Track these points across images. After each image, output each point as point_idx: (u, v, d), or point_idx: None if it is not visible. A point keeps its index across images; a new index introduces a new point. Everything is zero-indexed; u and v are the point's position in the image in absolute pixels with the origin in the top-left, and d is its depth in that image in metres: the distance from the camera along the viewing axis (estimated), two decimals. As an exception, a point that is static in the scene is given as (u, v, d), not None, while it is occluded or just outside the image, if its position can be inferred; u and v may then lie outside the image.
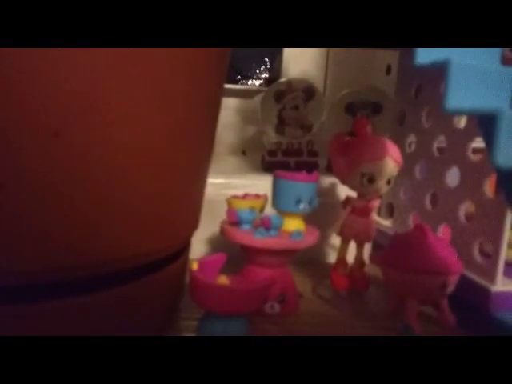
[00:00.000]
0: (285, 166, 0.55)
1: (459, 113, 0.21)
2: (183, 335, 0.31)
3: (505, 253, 0.32)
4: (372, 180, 0.37)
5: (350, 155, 0.38)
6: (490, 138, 0.20)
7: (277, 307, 0.35)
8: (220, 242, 0.49)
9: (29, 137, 0.19)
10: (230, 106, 0.72)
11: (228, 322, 0.29)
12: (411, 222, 0.44)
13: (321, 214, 0.40)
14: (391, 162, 0.37)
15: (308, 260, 0.47)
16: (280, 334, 0.32)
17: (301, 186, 0.34)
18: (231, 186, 0.50)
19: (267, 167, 0.56)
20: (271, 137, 0.57)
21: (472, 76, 0.21)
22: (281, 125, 0.58)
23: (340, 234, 0.40)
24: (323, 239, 0.48)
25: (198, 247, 0.48)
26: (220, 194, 0.43)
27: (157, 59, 0.23)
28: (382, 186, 0.38)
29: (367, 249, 0.42)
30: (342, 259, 0.41)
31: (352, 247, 0.41)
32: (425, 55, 0.22)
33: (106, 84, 0.21)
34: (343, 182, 0.39)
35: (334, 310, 0.37)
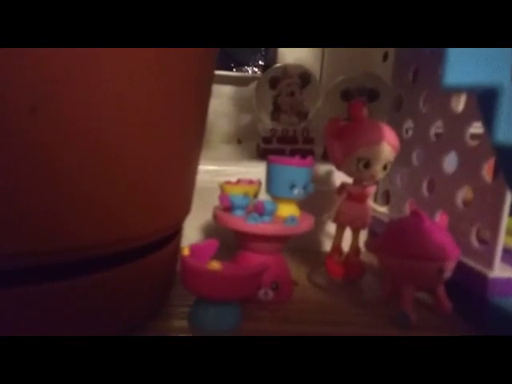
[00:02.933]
0: (280, 154, 0.54)
1: (458, 89, 0.20)
2: (174, 322, 0.30)
3: (502, 239, 0.31)
4: (368, 165, 0.36)
5: (346, 140, 0.37)
6: (489, 116, 0.19)
7: (270, 294, 0.34)
8: (213, 229, 0.49)
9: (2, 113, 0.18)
10: (224, 94, 0.70)
11: (220, 308, 0.28)
12: (407, 208, 0.43)
13: (317, 202, 0.39)
14: (388, 146, 0.36)
15: (303, 248, 0.47)
16: (273, 321, 0.32)
17: (294, 171, 0.34)
18: (225, 174, 0.49)
19: (262, 154, 0.55)
20: (266, 124, 0.57)
21: (471, 52, 0.20)
22: (276, 111, 0.57)
23: (335, 220, 0.39)
24: (319, 227, 0.48)
25: (192, 234, 0.48)
26: (213, 181, 0.42)
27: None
28: (379, 171, 0.37)
29: (363, 236, 0.42)
30: (337, 246, 0.40)
31: (347, 234, 0.40)
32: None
33: (90, 57, 0.20)
34: (339, 167, 0.38)
35: (329, 297, 0.37)
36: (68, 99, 0.20)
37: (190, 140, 0.30)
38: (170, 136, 0.26)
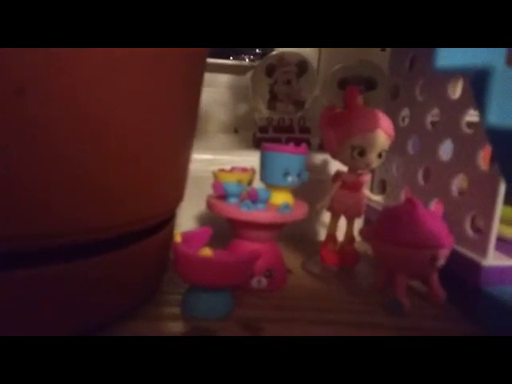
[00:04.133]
0: (276, 143, 0.53)
1: (450, 71, 0.20)
2: (166, 309, 0.30)
3: (497, 227, 0.31)
4: (363, 153, 0.36)
5: (341, 127, 0.37)
6: (481, 98, 0.19)
7: (264, 282, 0.34)
8: (209, 218, 0.49)
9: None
10: (221, 83, 0.70)
11: (212, 295, 0.28)
12: (403, 197, 0.43)
13: (313, 191, 0.39)
14: (383, 134, 0.36)
15: (298, 237, 0.47)
16: (266, 308, 0.32)
17: (288, 158, 0.33)
18: (220, 162, 0.49)
19: (258, 144, 0.54)
20: (262, 112, 0.56)
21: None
22: (272, 100, 0.56)
23: (330, 209, 0.39)
24: (314, 216, 0.47)
25: (187, 222, 0.48)
26: (208, 170, 0.41)
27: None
28: (373, 159, 0.37)
29: (358, 224, 0.42)
30: (331, 234, 0.40)
31: (342, 223, 0.40)
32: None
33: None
34: (334, 155, 0.38)
35: (323, 285, 0.37)
36: (57, 82, 0.19)
37: (182, 127, 0.29)
38: (162, 122, 0.26)
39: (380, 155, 0.37)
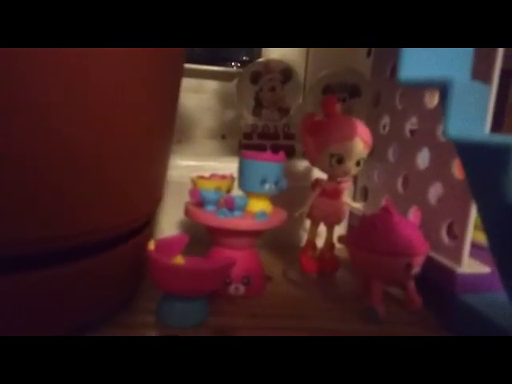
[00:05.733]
0: (260, 149, 0.54)
1: (414, 84, 0.20)
2: (140, 317, 0.30)
3: (470, 235, 0.32)
4: (341, 161, 0.36)
5: (320, 135, 0.37)
6: (444, 110, 0.19)
7: (241, 289, 0.34)
8: (192, 224, 0.48)
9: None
10: (208, 89, 0.70)
11: (186, 303, 0.28)
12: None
13: (295, 197, 0.39)
14: (360, 142, 0.36)
15: (281, 242, 0.47)
16: (241, 315, 0.32)
17: (265, 166, 0.34)
18: (204, 169, 0.49)
19: (243, 150, 0.55)
20: (248, 119, 0.56)
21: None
22: (258, 107, 0.56)
23: (309, 216, 0.39)
24: (296, 222, 0.48)
25: (170, 229, 0.48)
26: (193, 176, 0.41)
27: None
28: (352, 167, 0.37)
29: (339, 231, 0.42)
30: (311, 242, 0.40)
31: (323, 230, 0.41)
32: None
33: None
34: (313, 163, 0.38)
35: (302, 292, 0.37)
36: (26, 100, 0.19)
37: (157, 134, 0.29)
38: (134, 129, 0.26)
39: (358, 163, 0.37)
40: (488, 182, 0.20)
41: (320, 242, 0.41)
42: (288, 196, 0.38)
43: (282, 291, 0.37)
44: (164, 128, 0.31)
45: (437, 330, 0.32)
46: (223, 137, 0.71)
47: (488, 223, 0.21)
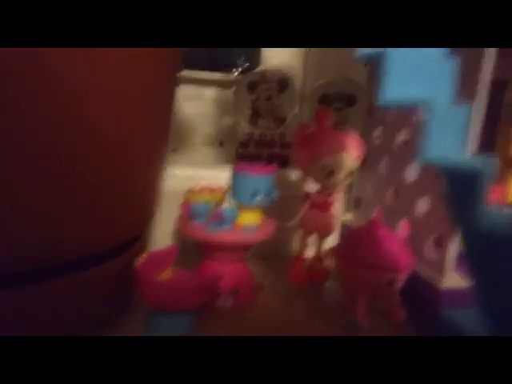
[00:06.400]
0: (257, 158, 0.54)
1: (393, 105, 0.21)
2: (129, 331, 0.31)
3: (455, 250, 0.32)
4: (332, 173, 0.37)
5: (311, 148, 0.37)
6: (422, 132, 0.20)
7: (230, 301, 0.35)
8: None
9: None
10: (207, 96, 0.71)
11: (171, 318, 0.29)
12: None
13: (290, 207, 0.40)
14: (351, 155, 0.37)
15: (273, 252, 0.47)
16: (228, 328, 0.32)
17: (256, 179, 0.34)
18: (200, 178, 0.50)
19: (240, 159, 0.55)
20: (244, 128, 0.57)
21: (408, 68, 0.21)
22: (254, 116, 0.57)
23: (300, 227, 0.40)
24: (289, 232, 0.48)
25: (165, 239, 0.48)
26: (189, 186, 0.42)
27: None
28: (342, 179, 0.37)
29: (329, 242, 0.42)
30: (300, 253, 0.41)
31: (314, 240, 0.41)
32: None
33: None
34: (305, 173, 0.39)
35: (289, 304, 0.37)
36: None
37: (151, 155, 0.30)
38: (125, 146, 0.27)
39: (349, 175, 0.38)
40: (460, 203, 0.21)
41: (311, 253, 0.41)
42: (282, 205, 0.38)
43: (271, 303, 0.37)
44: (157, 145, 0.31)
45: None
46: (221, 144, 0.72)
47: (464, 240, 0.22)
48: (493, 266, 0.20)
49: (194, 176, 0.50)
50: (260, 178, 0.34)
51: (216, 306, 0.34)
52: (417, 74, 0.21)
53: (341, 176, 0.37)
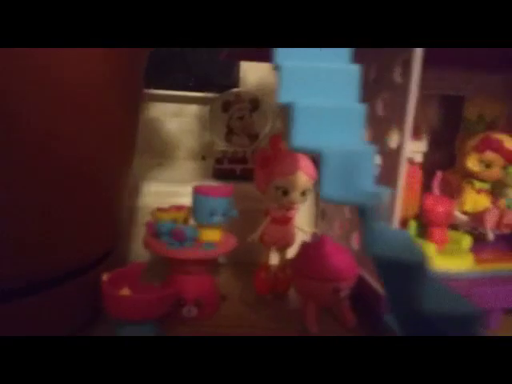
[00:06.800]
0: (231, 173, 0.58)
1: (304, 151, 0.24)
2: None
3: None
4: (286, 192, 0.40)
5: (267, 169, 0.41)
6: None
7: (194, 311, 0.38)
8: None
9: None
10: (189, 113, 0.74)
11: (135, 327, 0.32)
12: (336, 228, 0.47)
13: (255, 219, 0.43)
14: (304, 176, 0.40)
15: (246, 261, 0.50)
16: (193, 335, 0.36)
17: (213, 201, 0.38)
18: (177, 195, 0.53)
19: (216, 174, 0.59)
20: (219, 145, 0.61)
21: (317, 115, 0.24)
22: (229, 133, 0.61)
23: (261, 241, 0.43)
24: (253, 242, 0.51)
25: (144, 254, 0.52)
26: (165, 202, 0.45)
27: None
28: (297, 197, 0.41)
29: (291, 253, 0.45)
30: (264, 264, 0.44)
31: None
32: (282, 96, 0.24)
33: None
34: (262, 193, 0.42)
35: (252, 312, 0.40)
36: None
37: (111, 184, 0.34)
38: (87, 168, 0.30)
39: (303, 193, 0.41)
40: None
41: (275, 262, 0.45)
42: (248, 217, 0.43)
43: (236, 312, 0.40)
44: (120, 168, 0.35)
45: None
46: (203, 158, 0.75)
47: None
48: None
49: (172, 192, 0.53)
50: (217, 200, 0.37)
51: (181, 315, 0.38)
52: (324, 124, 0.24)
53: (295, 194, 0.40)
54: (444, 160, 0.55)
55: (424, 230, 0.42)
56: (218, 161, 0.59)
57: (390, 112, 0.36)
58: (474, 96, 0.54)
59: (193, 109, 0.75)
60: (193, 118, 0.75)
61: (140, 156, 0.65)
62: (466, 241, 0.42)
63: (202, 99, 0.74)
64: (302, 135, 0.24)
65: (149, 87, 0.71)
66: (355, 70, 0.25)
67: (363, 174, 0.24)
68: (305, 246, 0.38)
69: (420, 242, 0.41)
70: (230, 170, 0.58)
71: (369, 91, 0.39)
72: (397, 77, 0.34)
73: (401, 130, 0.33)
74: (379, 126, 0.37)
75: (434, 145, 0.57)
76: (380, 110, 0.37)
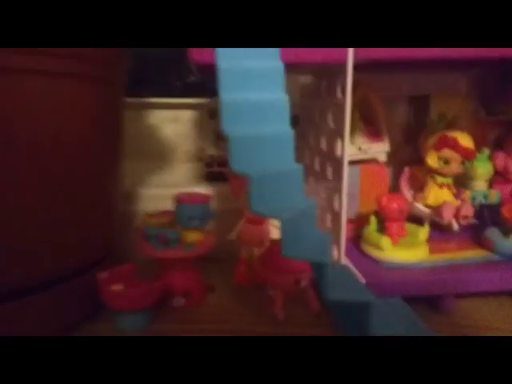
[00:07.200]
0: (221, 176, 0.64)
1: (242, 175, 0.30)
2: (105, 325, 0.41)
3: (343, 253, 0.40)
4: (257, 196, 0.46)
5: (240, 178, 0.46)
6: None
7: (182, 301, 0.45)
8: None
9: None
10: (184, 118, 0.80)
11: (131, 315, 0.39)
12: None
13: (235, 217, 0.49)
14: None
15: (231, 254, 0.56)
16: (179, 323, 0.42)
17: (191, 207, 0.44)
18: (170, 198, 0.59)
19: (208, 177, 0.65)
20: (209, 150, 0.66)
21: (251, 144, 0.30)
22: (218, 139, 0.67)
23: (238, 239, 0.49)
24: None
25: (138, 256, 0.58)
26: (162, 205, 0.51)
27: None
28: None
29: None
30: (242, 258, 0.50)
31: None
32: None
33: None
34: (237, 197, 0.48)
35: (233, 301, 0.47)
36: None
37: (99, 191, 0.40)
38: (75, 187, 0.37)
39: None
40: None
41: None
42: (228, 216, 0.49)
43: (220, 302, 0.47)
44: (107, 180, 0.41)
45: (330, 329, 0.40)
46: (199, 159, 0.81)
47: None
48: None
49: (163, 195, 0.59)
50: (194, 206, 0.43)
51: (171, 305, 0.44)
52: (258, 150, 0.29)
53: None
54: (414, 156, 0.59)
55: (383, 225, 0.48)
56: (208, 165, 0.65)
57: (336, 123, 0.41)
58: (437, 95, 0.58)
59: (188, 114, 0.80)
60: (188, 123, 0.81)
61: (139, 161, 0.72)
62: (423, 233, 0.47)
63: (196, 105, 0.79)
64: (238, 162, 0.30)
65: (145, 95, 0.77)
66: (285, 100, 0.31)
67: (292, 191, 0.30)
68: (272, 243, 0.44)
69: (378, 236, 0.46)
70: (219, 173, 0.64)
71: (322, 102, 0.44)
72: (338, 93, 0.39)
73: (342, 140, 0.38)
74: (330, 136, 0.42)
75: (405, 142, 0.62)
76: (330, 121, 0.42)
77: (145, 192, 0.61)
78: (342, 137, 0.38)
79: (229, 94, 0.29)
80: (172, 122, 0.81)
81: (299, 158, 0.32)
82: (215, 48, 0.29)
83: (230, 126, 0.29)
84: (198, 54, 0.36)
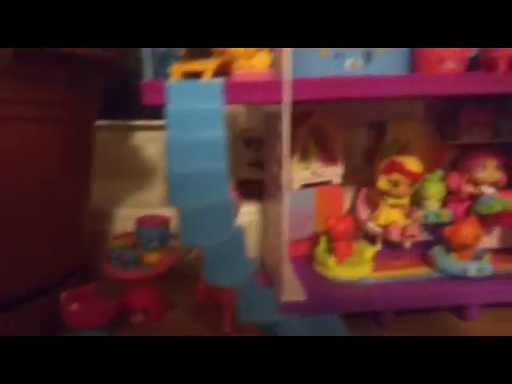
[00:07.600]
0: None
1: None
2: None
3: (287, 269, 0.44)
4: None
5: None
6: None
7: (140, 318, 0.48)
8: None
9: None
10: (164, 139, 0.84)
11: (91, 332, 0.43)
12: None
13: None
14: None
15: (188, 272, 0.59)
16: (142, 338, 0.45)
17: (148, 230, 0.47)
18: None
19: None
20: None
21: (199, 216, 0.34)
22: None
23: (198, 258, 0.52)
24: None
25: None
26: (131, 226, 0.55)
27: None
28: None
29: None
30: (202, 276, 0.53)
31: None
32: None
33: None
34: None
35: (193, 317, 0.50)
36: None
37: (67, 211, 0.44)
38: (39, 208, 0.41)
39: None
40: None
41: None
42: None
43: (178, 317, 0.50)
44: (75, 198, 0.45)
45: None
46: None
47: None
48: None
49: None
50: (151, 229, 0.47)
51: (130, 322, 0.48)
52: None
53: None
54: (373, 178, 0.62)
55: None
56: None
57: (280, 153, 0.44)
58: (394, 121, 0.61)
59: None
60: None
61: (118, 181, 0.76)
62: (368, 252, 0.50)
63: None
64: (187, 235, 0.34)
65: (126, 118, 0.81)
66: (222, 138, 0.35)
67: (220, 222, 0.34)
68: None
69: (326, 255, 0.49)
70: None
71: (274, 132, 0.48)
72: (280, 129, 0.43)
73: (282, 170, 0.42)
74: (278, 163, 0.46)
75: (365, 164, 0.65)
76: (278, 149, 0.46)
77: (120, 212, 0.65)
78: (280, 166, 0.42)
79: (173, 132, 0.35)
80: (152, 143, 0.85)
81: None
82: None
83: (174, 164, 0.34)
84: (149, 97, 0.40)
